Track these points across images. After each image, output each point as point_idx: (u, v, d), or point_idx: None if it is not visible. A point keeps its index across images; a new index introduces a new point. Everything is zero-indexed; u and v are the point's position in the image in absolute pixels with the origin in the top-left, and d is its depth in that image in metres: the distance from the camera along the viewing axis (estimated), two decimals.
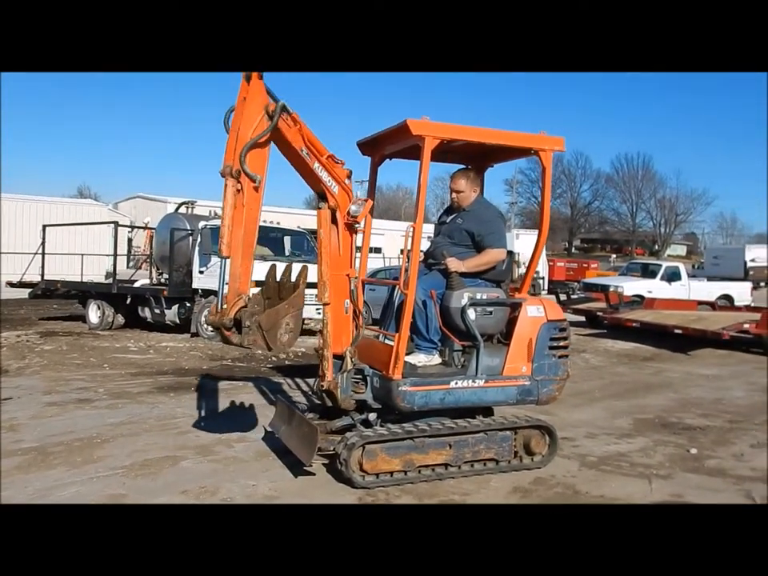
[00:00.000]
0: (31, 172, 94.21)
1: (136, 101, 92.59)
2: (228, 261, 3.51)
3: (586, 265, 31.98)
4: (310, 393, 4.61)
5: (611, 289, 15.43)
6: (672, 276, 17.39)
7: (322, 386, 4.22)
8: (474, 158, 4.80)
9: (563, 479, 4.35)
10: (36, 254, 13.12)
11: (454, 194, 4.60)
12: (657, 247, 65.22)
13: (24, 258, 15.41)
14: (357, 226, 4.21)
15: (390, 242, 34.88)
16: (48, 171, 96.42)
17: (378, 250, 33.47)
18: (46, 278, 12.97)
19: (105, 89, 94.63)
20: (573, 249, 67.34)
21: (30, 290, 13.17)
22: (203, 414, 5.82)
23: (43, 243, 13.12)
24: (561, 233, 65.21)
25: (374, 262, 25.57)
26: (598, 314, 13.52)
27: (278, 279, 3.79)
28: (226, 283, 3.53)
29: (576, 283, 24.65)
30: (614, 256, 55.20)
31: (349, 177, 4.15)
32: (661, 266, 18.27)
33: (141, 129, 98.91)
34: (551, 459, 4.54)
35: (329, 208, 4.15)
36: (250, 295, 3.53)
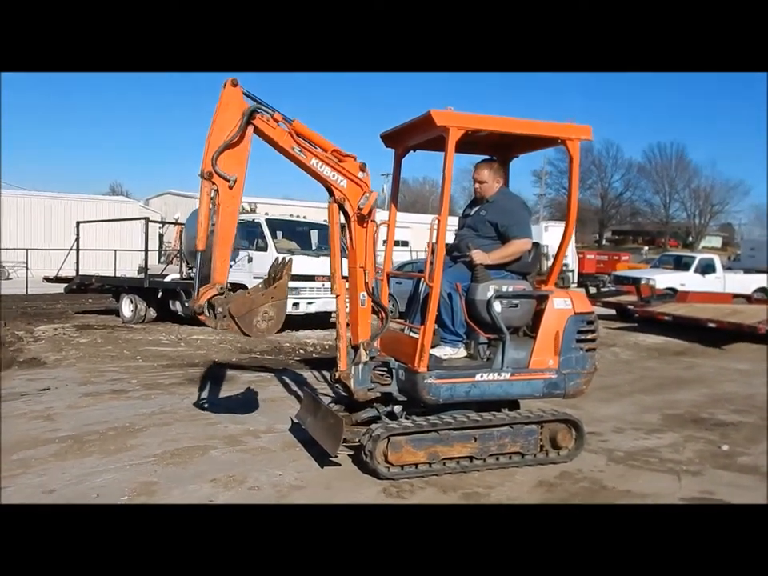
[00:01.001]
0: (65, 171, 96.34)
1: (165, 100, 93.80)
2: (199, 254, 3.87)
3: (617, 257, 31.50)
4: (335, 385, 4.65)
5: (643, 281, 15.18)
6: (706, 268, 17.04)
7: (335, 376, 4.27)
8: (499, 148, 4.77)
9: (590, 474, 4.33)
10: (71, 250, 13.43)
11: (477, 185, 4.58)
12: (691, 239, 63.71)
13: (59, 254, 15.81)
14: (367, 218, 4.17)
15: (417, 235, 34.78)
16: (81, 170, 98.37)
17: (404, 243, 33.41)
18: (80, 273, 13.27)
19: (136, 89, 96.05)
20: (603, 241, 66.18)
21: (66, 284, 13.51)
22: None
23: (77, 239, 13.41)
24: (591, 225, 64.12)
25: (401, 255, 25.58)
26: (629, 307, 13.31)
27: (275, 272, 4.04)
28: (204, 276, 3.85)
29: (606, 276, 24.29)
30: (647, 248, 54.16)
31: (363, 170, 4.15)
32: (695, 257, 17.91)
33: (171, 128, 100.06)
34: (578, 454, 4.50)
35: (335, 202, 4.19)
36: (227, 285, 3.81)
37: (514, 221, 4.41)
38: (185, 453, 4.47)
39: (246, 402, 5.80)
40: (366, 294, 4.27)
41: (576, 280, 25.62)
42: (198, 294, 3.79)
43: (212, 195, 3.75)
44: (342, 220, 4.30)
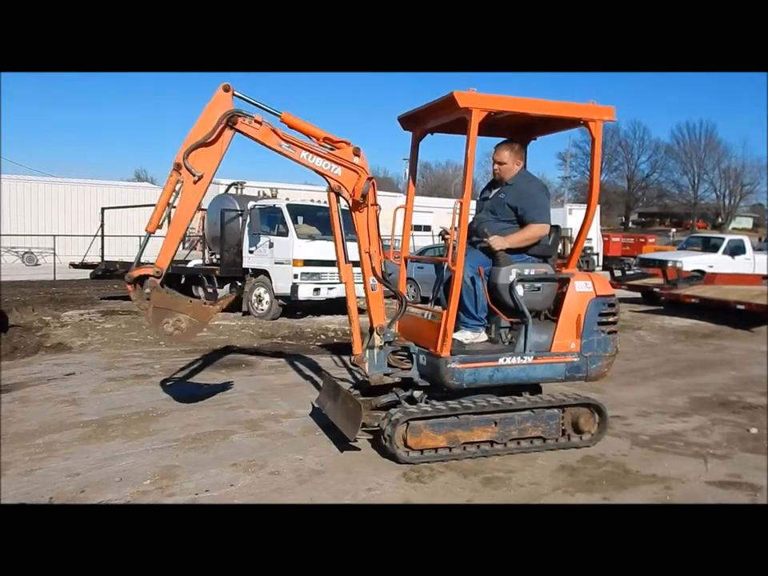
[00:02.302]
0: (91, 157, 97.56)
1: (191, 88, 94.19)
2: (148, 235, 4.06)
3: (643, 240, 30.94)
4: (356, 369, 4.65)
5: (669, 264, 14.87)
6: (735, 250, 16.61)
7: (352, 359, 4.31)
8: (518, 130, 4.67)
9: (613, 458, 4.26)
10: (96, 236, 13.63)
11: (496, 166, 4.49)
12: (720, 220, 62.32)
13: (86, 240, 16.04)
14: (364, 202, 4.15)
15: (439, 219, 34.59)
16: (107, 157, 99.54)
17: (426, 228, 33.27)
18: (106, 259, 13.45)
19: (161, 79, 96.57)
20: (630, 223, 65.10)
21: (92, 270, 13.71)
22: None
23: (102, 226, 13.59)
24: (617, 207, 63.12)
25: (423, 240, 25.46)
26: (655, 290, 13.10)
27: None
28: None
29: (632, 259, 23.87)
30: (674, 230, 53.01)
31: (357, 154, 4.13)
32: (723, 239, 17.46)
33: (195, 116, 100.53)
34: (601, 438, 4.45)
35: (331, 190, 4.21)
36: (165, 271, 3.97)
37: (532, 205, 4.33)
38: (206, 437, 4.50)
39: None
40: (375, 278, 4.24)
41: (601, 263, 25.28)
42: (136, 266, 4.01)
43: (177, 187, 3.93)
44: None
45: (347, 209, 4.31)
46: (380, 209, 4.29)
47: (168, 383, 6.05)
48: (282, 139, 4.02)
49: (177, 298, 4.02)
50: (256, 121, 3.97)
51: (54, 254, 20.82)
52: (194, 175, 3.87)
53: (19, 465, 3.93)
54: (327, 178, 4.14)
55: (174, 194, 3.95)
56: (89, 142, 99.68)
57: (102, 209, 13.82)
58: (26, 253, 26.87)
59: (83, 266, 14.03)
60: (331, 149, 4.13)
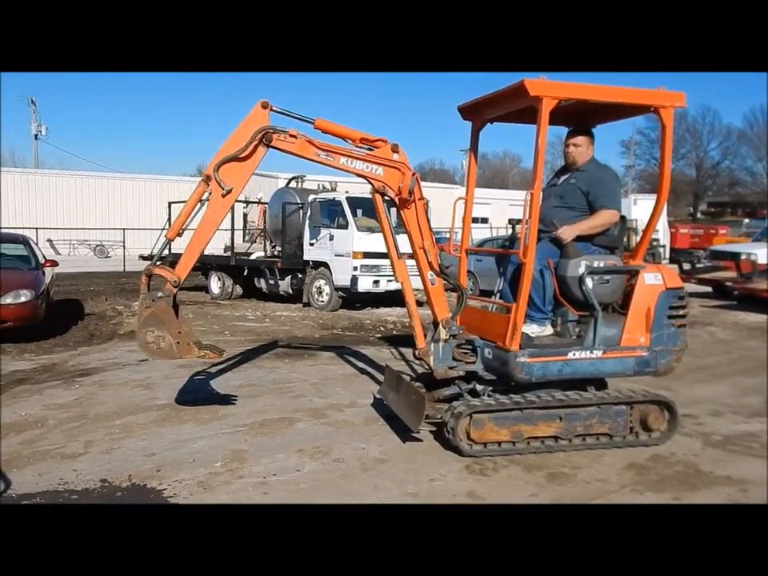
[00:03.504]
0: (156, 154, 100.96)
1: (249, 87, 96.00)
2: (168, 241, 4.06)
3: (713, 231, 29.60)
4: (417, 362, 4.67)
5: (743, 256, 14.18)
6: None
7: (415, 353, 4.30)
8: (581, 117, 4.55)
9: (684, 458, 4.14)
10: (163, 229, 14.09)
11: (571, 148, 4.42)
12: None
13: (152, 233, 16.64)
14: (410, 199, 4.09)
15: (497, 211, 34.14)
16: (171, 153, 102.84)
17: (484, 220, 32.90)
18: (172, 251, 13.89)
19: (222, 78, 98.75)
20: (698, 214, 62.38)
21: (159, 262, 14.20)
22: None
23: (169, 219, 14.03)
24: (685, 197, 60.53)
25: (480, 233, 25.21)
26: (727, 284, 12.53)
27: None
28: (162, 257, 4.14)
29: (702, 251, 22.90)
30: (747, 220, 50.54)
31: (396, 151, 4.09)
32: None
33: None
34: (671, 436, 4.32)
35: (376, 191, 4.17)
36: (181, 281, 3.92)
37: (604, 190, 4.26)
38: (272, 424, 4.63)
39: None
40: (433, 273, 4.23)
41: (668, 256, 24.38)
42: (155, 264, 3.96)
43: (204, 197, 3.91)
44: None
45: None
46: (428, 202, 4.27)
47: (233, 371, 6.24)
48: (319, 148, 3.98)
49: (174, 319, 3.90)
50: (291, 135, 3.92)
51: (124, 246, 21.70)
52: (222, 189, 3.83)
53: (101, 444, 4.16)
54: (370, 179, 4.11)
55: (199, 204, 3.93)
56: (153, 139, 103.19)
57: (169, 203, 14.24)
58: (98, 246, 28.19)
59: (151, 257, 14.55)
60: (369, 149, 4.09)
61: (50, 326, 8.20)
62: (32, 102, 37.41)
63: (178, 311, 4.01)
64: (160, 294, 3.85)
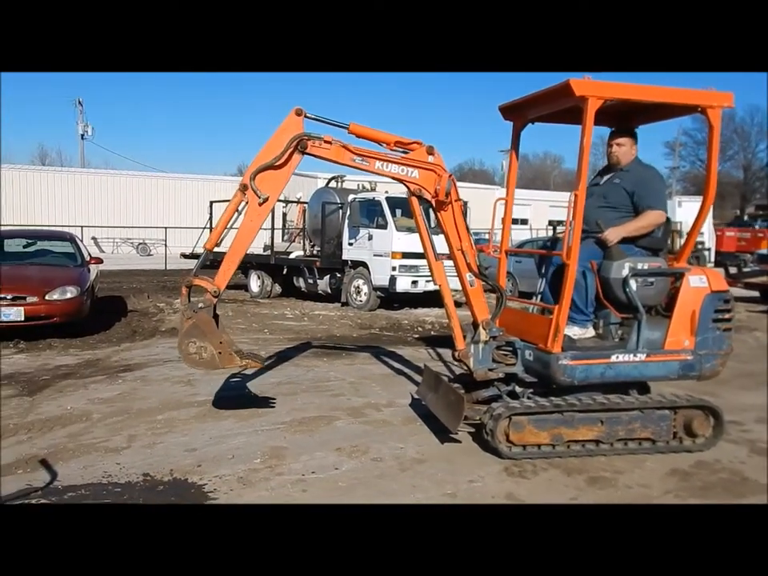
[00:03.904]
0: (196, 153, 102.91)
1: (288, 88, 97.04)
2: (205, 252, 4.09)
3: (761, 234, 28.66)
4: (455, 363, 4.66)
5: None
6: None
7: (456, 355, 4.28)
8: (625, 117, 4.47)
9: (729, 465, 4.03)
10: (204, 228, 14.35)
11: (614, 148, 4.36)
12: None
13: (193, 232, 16.96)
14: (447, 201, 4.05)
15: (537, 212, 33.72)
16: (211, 153, 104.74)
17: (524, 222, 32.54)
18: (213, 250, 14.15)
19: (261, 79, 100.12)
20: (745, 216, 60.48)
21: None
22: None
23: (210, 218, 14.29)
24: (731, 199, 58.66)
25: (520, 234, 24.94)
26: None
27: None
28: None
29: (749, 255, 22.21)
30: None
31: (431, 153, 4.06)
32: None
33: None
34: (715, 443, 4.21)
35: (413, 195, 4.15)
36: (221, 291, 3.98)
37: (649, 190, 4.19)
38: (311, 422, 4.67)
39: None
40: (472, 274, 4.21)
41: (713, 259, 23.73)
42: (195, 274, 3.99)
43: (240, 207, 3.94)
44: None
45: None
46: (466, 203, 4.24)
47: (272, 368, 6.32)
48: (355, 153, 3.98)
49: (215, 329, 3.94)
50: (326, 141, 3.93)
51: (166, 244, 22.15)
52: (259, 197, 3.85)
53: (143, 438, 4.26)
54: (406, 183, 4.10)
55: (236, 213, 3.97)
56: (195, 139, 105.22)
57: (211, 202, 14.49)
58: (140, 244, 28.88)
59: (192, 256, 14.84)
60: (404, 152, 4.08)
61: (94, 321, 8.43)
62: (79, 102, 38.51)
63: (219, 321, 4.05)
64: (201, 305, 3.90)
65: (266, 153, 3.90)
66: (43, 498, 3.30)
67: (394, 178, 4.11)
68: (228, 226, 4.04)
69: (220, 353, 3.89)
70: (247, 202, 3.91)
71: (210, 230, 14.28)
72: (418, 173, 4.08)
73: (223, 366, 3.97)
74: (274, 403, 5.07)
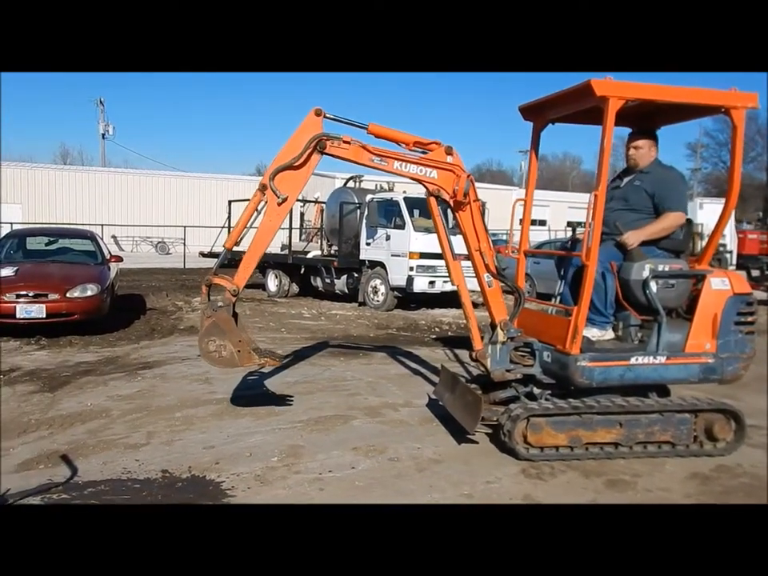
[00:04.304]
0: (215, 152, 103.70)
1: (304, 89, 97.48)
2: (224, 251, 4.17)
3: None
4: (472, 364, 4.64)
5: None
6: None
7: (473, 356, 4.27)
8: (646, 118, 4.42)
9: (751, 469, 3.97)
10: (223, 227, 14.46)
11: (632, 151, 4.32)
12: None
13: (212, 231, 17.09)
14: (465, 201, 4.04)
15: (556, 213, 33.51)
16: (231, 152, 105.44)
17: (542, 223, 32.34)
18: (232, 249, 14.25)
19: (279, 79, 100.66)
20: None
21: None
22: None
23: (229, 217, 14.38)
24: (754, 201, 57.74)
25: (538, 235, 24.77)
26: None
27: None
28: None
29: None
30: None
31: (449, 153, 4.05)
32: None
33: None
34: (737, 447, 4.15)
35: (431, 195, 4.14)
36: (240, 290, 4.01)
37: (670, 192, 4.14)
38: (328, 421, 4.68)
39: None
40: (490, 275, 4.19)
41: (735, 262, 23.37)
42: (215, 273, 4.05)
43: (260, 207, 3.97)
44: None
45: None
46: (484, 204, 4.23)
47: (289, 367, 6.34)
48: (373, 153, 3.99)
49: (235, 328, 3.99)
50: (345, 141, 3.94)
51: (184, 243, 22.35)
52: (278, 197, 3.88)
53: (162, 435, 4.30)
54: (424, 183, 4.10)
55: (255, 212, 4.00)
56: (214, 139, 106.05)
57: (229, 201, 14.55)
58: (159, 242, 29.14)
59: (211, 255, 14.94)
60: (423, 152, 4.08)
61: (114, 319, 8.52)
62: (100, 102, 38.94)
63: (238, 319, 4.10)
64: (220, 304, 3.95)
65: (286, 153, 3.93)
66: (64, 494, 3.35)
67: (412, 179, 4.11)
68: (247, 226, 4.07)
69: (239, 351, 3.92)
70: (266, 202, 3.94)
71: (229, 230, 14.36)
72: (437, 173, 4.07)
73: (242, 364, 4.01)
74: (291, 402, 5.09)
